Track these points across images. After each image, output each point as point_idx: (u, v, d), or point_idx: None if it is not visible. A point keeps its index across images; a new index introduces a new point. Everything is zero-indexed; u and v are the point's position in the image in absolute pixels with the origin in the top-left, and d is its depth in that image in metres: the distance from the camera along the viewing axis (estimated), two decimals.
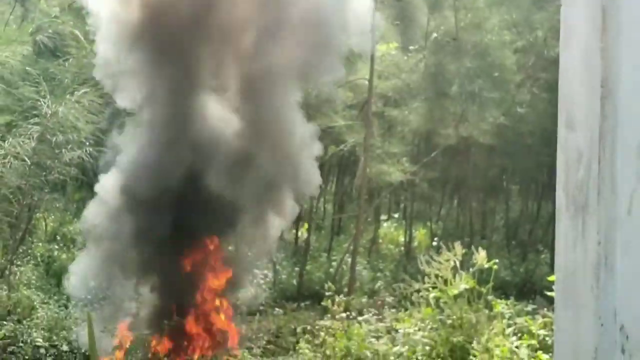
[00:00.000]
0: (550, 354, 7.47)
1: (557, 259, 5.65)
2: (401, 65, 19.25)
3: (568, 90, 5.56)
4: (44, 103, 13.33)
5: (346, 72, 17.90)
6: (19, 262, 15.66)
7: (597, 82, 5.28)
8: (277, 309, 16.16)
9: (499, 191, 25.00)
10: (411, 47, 20.10)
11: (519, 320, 9.67)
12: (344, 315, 10.11)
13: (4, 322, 11.82)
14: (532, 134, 19.39)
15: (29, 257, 16.80)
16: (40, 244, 18.62)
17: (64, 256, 18.25)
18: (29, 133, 13.19)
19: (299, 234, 23.72)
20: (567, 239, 5.19)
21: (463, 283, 9.21)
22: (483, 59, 18.30)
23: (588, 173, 5.02)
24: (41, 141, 13.22)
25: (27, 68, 14.46)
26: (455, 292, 9.23)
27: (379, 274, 20.13)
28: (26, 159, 13.20)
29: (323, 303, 10.37)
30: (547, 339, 9.17)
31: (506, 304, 9.82)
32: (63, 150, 13.29)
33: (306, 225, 23.08)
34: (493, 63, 18.29)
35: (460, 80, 18.05)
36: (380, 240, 25.55)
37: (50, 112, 13.21)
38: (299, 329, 11.85)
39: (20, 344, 11.22)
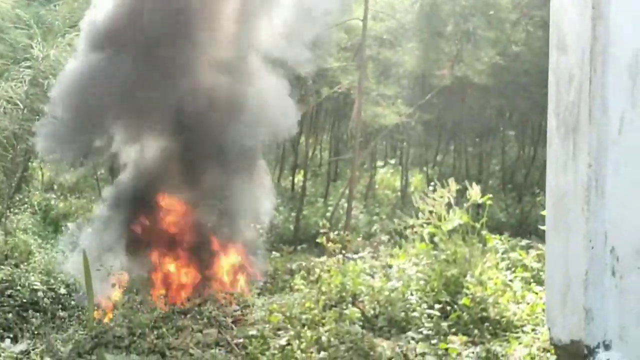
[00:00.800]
0: (544, 287, 7.53)
1: (548, 183, 5.63)
2: (396, 6, 19.06)
3: (559, 12, 5.51)
4: (36, 47, 13.22)
5: (340, 14, 17.76)
6: (16, 210, 15.67)
7: (589, 3, 5.22)
8: (274, 252, 16.23)
9: (495, 134, 24.94)
10: None
11: (513, 255, 9.75)
12: (340, 255, 10.14)
13: (1, 267, 11.83)
14: (527, 73, 19.25)
15: (25, 205, 16.81)
16: (37, 192, 18.63)
17: (61, 205, 18.30)
18: (21, 77, 13.10)
19: (296, 180, 23.78)
20: (557, 162, 5.18)
21: (457, 218, 9.24)
22: None
23: (579, 94, 5.00)
24: (33, 85, 13.14)
25: (18, 12, 14.30)
26: (449, 227, 9.27)
27: (375, 218, 20.21)
28: (19, 103, 13.14)
29: (317, 240, 10.40)
30: (540, 273, 9.24)
31: (500, 239, 9.88)
32: None
33: (302, 172, 23.11)
34: (488, 1, 18.08)
35: (455, 20, 17.88)
36: (377, 186, 25.62)
37: (42, 55, 13.11)
38: (294, 266, 11.93)
39: (18, 287, 11.23)
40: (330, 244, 10.14)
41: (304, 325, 8.05)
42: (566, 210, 5.09)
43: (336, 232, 10.50)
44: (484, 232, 9.31)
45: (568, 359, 5.00)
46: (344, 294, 8.93)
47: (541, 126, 22.28)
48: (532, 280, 9.09)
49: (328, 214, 19.43)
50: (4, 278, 11.25)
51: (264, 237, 17.12)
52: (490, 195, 9.54)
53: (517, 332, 7.80)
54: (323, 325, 8.01)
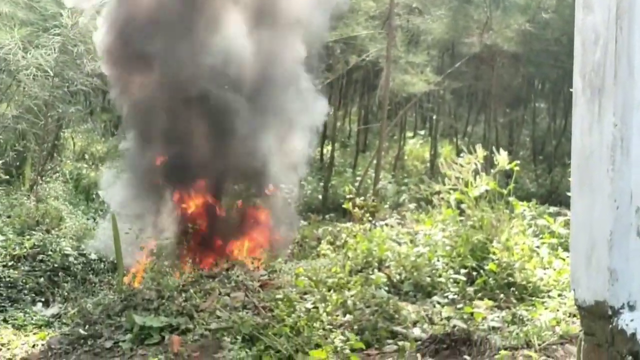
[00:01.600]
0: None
1: (573, 144, 5.61)
2: None
3: None
4: (65, 15, 13.32)
5: None
6: (47, 179, 15.88)
7: None
8: (302, 221, 16.31)
9: (525, 104, 24.72)
10: None
11: (540, 221, 9.71)
12: (367, 223, 10.17)
13: (33, 232, 12.02)
14: (558, 41, 19.02)
15: (57, 173, 17.03)
16: (68, 161, 18.84)
17: (92, 174, 18.50)
18: (50, 44, 13.23)
19: (324, 151, 23.80)
20: (583, 123, 5.16)
21: (484, 184, 9.21)
22: None
23: (605, 54, 4.96)
24: (62, 52, 13.26)
25: None
26: (476, 194, 9.25)
27: (403, 188, 20.19)
28: (49, 70, 13.27)
29: (344, 206, 10.43)
30: (568, 239, 9.19)
31: (528, 206, 9.84)
32: (84, 60, 13.33)
33: (331, 143, 23.13)
34: None
35: None
36: (406, 157, 25.56)
37: (71, 23, 13.21)
38: (320, 232, 11.98)
39: (49, 252, 11.41)
40: (356, 210, 10.16)
41: (330, 289, 8.12)
42: (591, 171, 5.06)
43: (362, 198, 10.50)
44: (511, 199, 9.27)
45: (592, 320, 5.01)
46: (370, 259, 8.98)
47: (572, 97, 22.01)
48: (559, 247, 9.07)
49: (356, 184, 19.44)
50: (36, 243, 11.44)
51: (292, 205, 17.27)
52: (517, 162, 9.49)
53: (543, 297, 7.80)
54: (349, 289, 8.07)
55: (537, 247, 8.84)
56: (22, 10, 14.36)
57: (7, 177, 15.32)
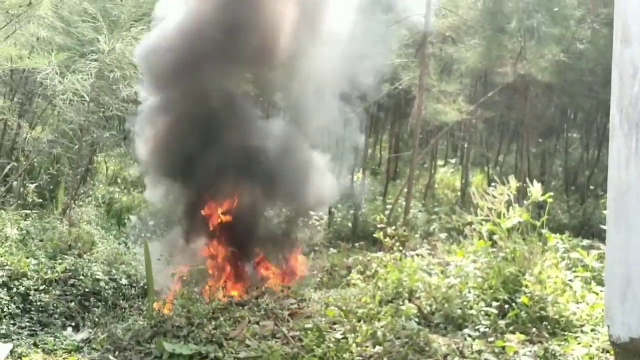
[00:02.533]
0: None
1: (610, 178, 5.54)
2: (459, 2, 18.89)
3: (624, 4, 5.39)
4: (102, 40, 13.50)
5: (402, 10, 17.70)
6: (80, 203, 16.02)
7: None
8: (331, 249, 16.27)
9: (558, 135, 24.53)
10: None
11: (573, 254, 9.58)
12: (397, 253, 10.11)
13: (66, 256, 12.09)
14: (592, 72, 18.88)
15: (90, 197, 17.18)
16: (101, 186, 19.00)
17: (124, 199, 18.64)
18: (87, 70, 13.39)
19: (355, 178, 23.77)
20: (620, 157, 5.10)
21: (517, 216, 9.12)
22: None
23: None
24: (99, 78, 13.41)
25: (85, 5, 14.60)
26: (509, 225, 9.16)
27: (434, 217, 20.09)
28: (85, 96, 13.42)
29: (375, 235, 10.38)
30: (602, 273, 9.06)
31: (561, 239, 9.71)
32: (121, 86, 13.47)
33: (361, 170, 23.10)
34: None
35: (519, 16, 17.61)
36: (437, 186, 25.45)
37: (108, 49, 13.37)
38: (350, 261, 11.94)
39: (81, 277, 11.47)
40: (387, 239, 10.11)
41: (360, 320, 8.06)
42: (628, 206, 5.00)
43: (393, 228, 10.45)
44: (544, 231, 9.17)
45: (627, 358, 4.91)
46: (400, 290, 8.91)
47: (606, 127, 21.83)
48: (592, 281, 8.94)
49: (387, 212, 19.37)
50: (68, 268, 11.50)
51: (322, 233, 17.24)
52: (551, 194, 9.39)
53: (576, 332, 7.68)
54: (379, 320, 8.00)
55: (570, 280, 8.72)
56: (60, 36, 14.57)
57: (41, 200, 15.49)
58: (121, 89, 13.48)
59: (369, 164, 24.61)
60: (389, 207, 20.45)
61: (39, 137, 14.76)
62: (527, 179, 9.67)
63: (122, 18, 13.94)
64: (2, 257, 11.23)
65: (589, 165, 23.74)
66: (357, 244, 17.09)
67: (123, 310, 10.86)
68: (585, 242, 11.38)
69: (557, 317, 8.03)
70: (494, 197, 9.33)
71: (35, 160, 16.33)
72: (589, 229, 18.75)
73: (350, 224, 19.93)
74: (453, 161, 28.72)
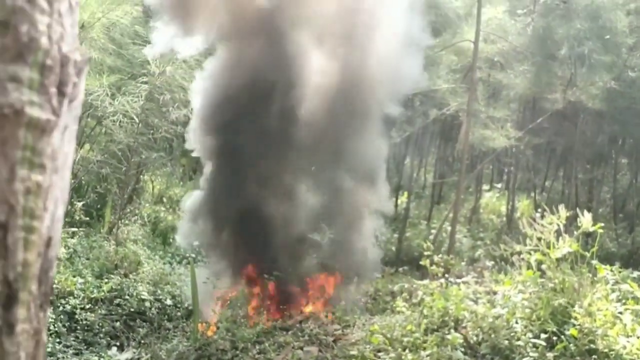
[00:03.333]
0: None
1: None
2: (508, 28, 18.77)
3: None
4: (152, 63, 13.67)
5: (451, 35, 17.66)
6: (126, 221, 16.17)
7: None
8: (375, 273, 16.18)
9: (607, 161, 24.20)
10: (519, 11, 19.58)
11: (623, 286, 9.38)
12: (443, 280, 10.00)
13: (111, 276, 12.22)
14: None
15: (136, 216, 17.33)
16: (147, 205, 19.16)
17: (169, 217, 18.76)
18: (137, 92, 13.56)
19: (399, 202, 23.68)
20: None
21: (566, 246, 8.97)
22: (594, 21, 17.60)
23: None
24: (149, 100, 13.59)
25: (136, 28, 14.81)
26: (558, 255, 9.00)
27: (479, 243, 19.91)
28: (135, 117, 13.59)
29: (421, 262, 10.29)
30: None
31: (611, 270, 9.52)
32: (170, 108, 13.62)
33: (406, 194, 23.00)
34: (604, 25, 17.55)
35: (569, 43, 17.41)
36: (482, 210, 25.23)
37: (158, 71, 13.54)
38: (396, 288, 11.84)
39: (126, 297, 11.58)
40: (433, 267, 10.01)
41: (405, 348, 7.97)
42: None
43: (440, 256, 10.35)
44: (593, 262, 9.00)
45: None
46: (446, 318, 8.80)
47: None
48: None
49: (431, 237, 19.25)
50: (114, 287, 11.61)
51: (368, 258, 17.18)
52: (602, 224, 9.21)
53: None
54: (424, 349, 7.91)
55: (620, 313, 8.53)
56: (110, 57, 14.79)
57: (88, 218, 15.68)
58: (170, 111, 13.62)
59: (413, 187, 24.51)
60: (433, 231, 20.31)
61: (87, 156, 14.96)
62: (577, 208, 9.50)
63: None
64: None
65: (638, 193, 23.36)
66: (400, 269, 17.00)
67: (167, 331, 10.92)
68: (636, 274, 11.12)
69: (606, 350, 7.85)
70: (543, 226, 9.19)
71: (83, 178, 16.54)
72: (638, 258, 18.41)
73: (393, 248, 19.83)
74: (499, 186, 28.44)
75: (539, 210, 9.50)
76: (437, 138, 26.51)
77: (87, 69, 1.42)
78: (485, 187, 27.72)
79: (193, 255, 14.75)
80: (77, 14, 1.45)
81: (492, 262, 13.48)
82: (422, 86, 14.30)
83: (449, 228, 18.19)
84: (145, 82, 13.64)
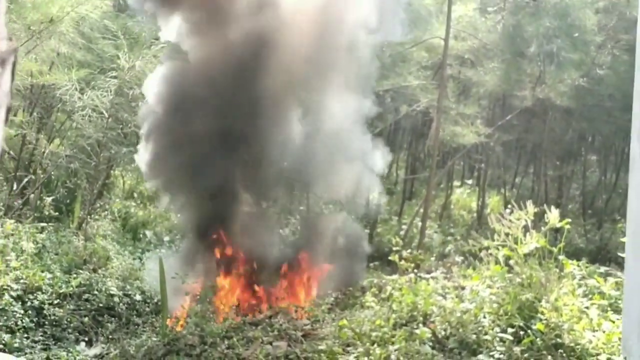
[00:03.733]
0: (621, 315, 7.32)
1: (629, 210, 5.50)
2: (478, 25, 18.89)
3: None
4: (122, 57, 13.59)
5: (422, 32, 17.73)
6: (96, 217, 16.08)
7: None
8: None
9: (576, 158, 24.44)
10: (489, 9, 19.72)
11: (590, 281, 9.49)
12: (412, 275, 10.05)
13: (80, 271, 12.15)
14: (612, 97, 18.82)
15: (106, 212, 17.23)
16: (117, 200, 19.05)
17: (140, 213, 18.67)
18: (107, 86, 13.48)
19: (370, 197, 23.71)
20: (639, 188, 5.04)
21: (534, 242, 9.05)
22: (563, 19, 17.76)
23: None
24: (118, 94, 13.51)
25: (106, 23, 14.72)
26: (526, 250, 9.08)
27: (449, 238, 20.01)
28: (104, 112, 13.50)
29: (390, 258, 10.33)
30: (618, 301, 8.98)
31: (577, 265, 9.63)
32: (139, 103, 13.56)
33: (377, 190, 23.03)
34: (573, 23, 17.73)
35: (538, 41, 17.58)
36: (453, 206, 25.36)
37: (127, 66, 13.47)
38: (365, 283, 11.89)
39: (95, 292, 11.52)
40: (402, 262, 10.06)
41: (373, 343, 8.01)
42: None
43: (409, 251, 10.41)
44: (561, 257, 9.09)
45: None
46: (415, 313, 8.85)
47: (624, 151, 21.76)
48: (609, 309, 8.84)
49: (402, 233, 19.31)
50: (82, 282, 11.55)
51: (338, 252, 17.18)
52: (569, 220, 9.31)
53: None
54: (393, 343, 7.95)
55: (587, 308, 8.63)
56: (80, 52, 14.68)
57: (57, 213, 15.56)
58: (139, 106, 13.56)
59: (385, 183, 24.57)
60: (404, 226, 20.39)
61: (56, 151, 14.85)
62: (545, 204, 9.58)
63: (143, 36, 14.05)
64: (17, 270, 11.27)
65: (607, 189, 23.62)
66: (371, 264, 17.03)
67: (136, 326, 10.89)
68: (602, 269, 11.25)
69: (572, 344, 7.94)
70: (511, 221, 9.26)
71: (52, 173, 16.41)
72: (606, 254, 18.62)
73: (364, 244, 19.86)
74: (469, 182, 28.61)
75: (509, 206, 9.57)
76: (408, 134, 26.59)
77: (13, 59, 1.40)
78: (457, 183, 27.86)
79: (163, 251, 14.71)
80: (4, 5, 1.44)
81: (462, 258, 13.57)
82: (393, 82, 14.37)
83: (420, 224, 18.28)
84: (115, 77, 13.57)
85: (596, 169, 25.94)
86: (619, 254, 7.08)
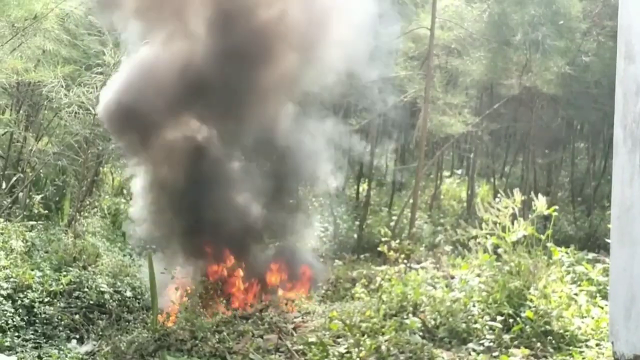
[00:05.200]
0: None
1: (613, 195, 5.53)
2: (464, 14, 18.90)
3: (627, 21, 5.40)
4: (107, 53, 13.55)
5: (407, 23, 17.74)
6: (85, 214, 16.05)
7: None
8: (336, 260, 16.26)
9: (564, 146, 24.51)
10: None
11: (578, 268, 9.54)
12: (402, 265, 10.07)
13: (70, 268, 12.13)
14: (598, 84, 18.88)
15: (95, 209, 17.19)
16: (107, 197, 19.00)
17: (130, 209, 18.63)
18: (93, 82, 13.44)
19: (360, 189, 23.77)
20: (623, 174, 5.08)
21: (522, 230, 9.08)
22: (548, 6, 17.79)
23: None
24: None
25: (90, 19, 14.67)
26: (514, 238, 9.12)
27: (439, 228, 20.07)
28: (90, 108, 13.47)
29: (379, 248, 10.36)
30: (607, 287, 9.02)
31: (566, 252, 9.69)
32: None
33: (367, 181, 23.09)
34: (558, 11, 17.76)
35: (524, 29, 17.62)
36: (442, 196, 25.43)
37: (113, 62, 13.42)
38: (355, 274, 11.93)
39: (85, 289, 11.51)
40: (391, 253, 10.09)
41: (363, 334, 8.03)
42: (632, 223, 4.98)
43: (398, 241, 10.43)
44: (549, 245, 9.13)
45: None
46: (404, 303, 8.87)
47: (612, 138, 21.78)
48: (597, 295, 8.89)
49: (392, 224, 19.35)
50: (72, 280, 11.54)
51: (327, 245, 17.22)
52: (556, 207, 9.35)
53: (580, 347, 7.63)
54: (383, 334, 7.98)
55: (575, 294, 8.68)
56: (65, 48, 14.61)
57: (46, 211, 15.54)
58: None
59: (374, 175, 24.58)
60: (395, 217, 20.43)
61: (44, 149, 14.81)
62: (533, 191, 9.63)
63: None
64: (7, 269, 11.26)
65: (596, 177, 23.71)
66: (362, 256, 17.08)
67: (127, 323, 10.88)
68: (591, 256, 11.33)
69: (561, 331, 7.99)
70: (499, 210, 9.30)
71: (41, 171, 16.37)
72: (595, 241, 18.71)
73: (355, 235, 19.91)
74: (459, 172, 28.66)
75: (498, 195, 9.60)
76: (397, 125, 26.60)
77: None
78: (446, 173, 27.92)
79: (153, 246, 14.68)
80: None
81: (451, 247, 13.61)
82: (380, 73, 14.37)
83: (410, 214, 18.32)
84: (101, 73, 13.52)
85: (585, 156, 26.02)
86: (607, 240, 7.11)
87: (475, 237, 9.56)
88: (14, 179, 16.13)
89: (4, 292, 10.57)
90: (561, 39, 17.81)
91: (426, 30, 17.33)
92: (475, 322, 8.26)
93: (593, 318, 8.25)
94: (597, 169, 24.35)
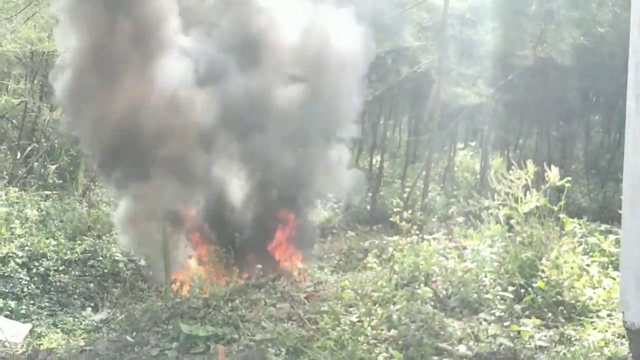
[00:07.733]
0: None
1: (625, 164, 5.51)
2: None
3: None
4: None
5: None
6: (100, 184, 16.12)
7: None
8: (349, 231, 16.32)
9: (579, 118, 24.34)
10: None
11: (591, 239, 9.53)
12: (414, 236, 10.08)
13: (85, 237, 12.22)
14: (613, 55, 18.66)
15: None
16: None
17: None
18: None
19: (374, 161, 23.76)
20: (635, 143, 5.07)
21: (534, 201, 9.08)
22: None
23: None
24: None
25: None
26: (526, 209, 9.11)
27: (452, 200, 20.05)
28: None
29: (391, 219, 10.38)
30: (618, 258, 9.02)
31: (578, 223, 9.67)
32: None
33: (380, 153, 23.08)
34: None
35: None
36: (456, 168, 25.39)
37: None
38: (367, 244, 11.95)
39: (100, 258, 11.61)
40: (403, 224, 10.10)
41: (375, 303, 8.08)
42: None
43: (410, 212, 10.45)
44: (561, 216, 9.13)
45: None
46: (416, 273, 8.91)
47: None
48: (609, 265, 8.89)
49: (405, 195, 19.36)
50: (87, 249, 11.64)
51: (340, 216, 17.26)
52: (569, 178, 9.33)
53: (592, 317, 7.65)
54: (394, 303, 8.02)
55: (587, 265, 8.68)
56: None
57: (61, 181, 15.63)
58: None
59: (387, 147, 24.57)
60: (407, 189, 20.43)
61: (59, 119, 14.86)
62: (546, 164, 9.59)
63: None
64: (22, 237, 11.37)
65: (610, 149, 23.57)
66: (374, 227, 17.12)
67: (141, 291, 10.97)
68: (603, 227, 11.27)
69: (573, 301, 8.01)
70: (512, 181, 9.29)
71: (55, 141, 16.44)
72: (608, 213, 18.64)
73: (368, 207, 19.94)
74: (473, 144, 28.57)
75: (512, 167, 9.57)
76: (410, 96, 26.50)
77: None
78: (460, 145, 27.85)
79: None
80: None
81: (464, 219, 13.61)
82: (393, 44, 14.29)
83: (423, 186, 18.33)
84: None
85: (600, 128, 25.85)
86: (620, 212, 7.08)
87: (488, 208, 9.57)
88: (29, 148, 16.22)
89: (20, 261, 10.69)
90: (576, 9, 17.64)
91: (440, 0, 17.19)
92: (487, 292, 8.30)
93: (604, 289, 8.27)
94: (611, 141, 24.19)
